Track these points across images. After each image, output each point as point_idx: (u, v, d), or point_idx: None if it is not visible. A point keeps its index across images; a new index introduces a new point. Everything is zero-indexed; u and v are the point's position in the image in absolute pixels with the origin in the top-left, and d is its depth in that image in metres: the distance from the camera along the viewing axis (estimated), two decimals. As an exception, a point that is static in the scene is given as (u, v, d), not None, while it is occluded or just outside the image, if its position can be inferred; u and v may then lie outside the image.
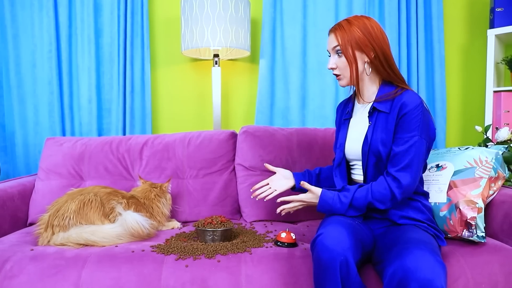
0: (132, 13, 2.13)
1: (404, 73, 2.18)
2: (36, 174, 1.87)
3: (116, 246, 1.28)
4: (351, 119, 1.31)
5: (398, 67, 2.17)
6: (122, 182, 1.74)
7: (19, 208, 1.66)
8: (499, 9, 1.99)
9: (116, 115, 2.17)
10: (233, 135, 1.82)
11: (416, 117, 1.13)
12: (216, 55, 2.06)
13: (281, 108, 2.20)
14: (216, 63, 2.05)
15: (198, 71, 2.29)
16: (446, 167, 1.33)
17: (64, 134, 2.16)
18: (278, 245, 1.28)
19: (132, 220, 1.35)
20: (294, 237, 1.29)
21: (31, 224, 1.67)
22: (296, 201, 1.25)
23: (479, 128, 1.74)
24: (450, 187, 1.26)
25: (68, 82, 2.15)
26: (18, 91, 2.17)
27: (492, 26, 2.01)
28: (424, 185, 1.35)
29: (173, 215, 1.68)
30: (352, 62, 1.18)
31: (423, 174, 1.38)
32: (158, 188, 1.57)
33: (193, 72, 2.29)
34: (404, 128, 1.14)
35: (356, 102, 1.33)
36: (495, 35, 1.97)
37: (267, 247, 1.27)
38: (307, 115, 2.22)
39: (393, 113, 1.17)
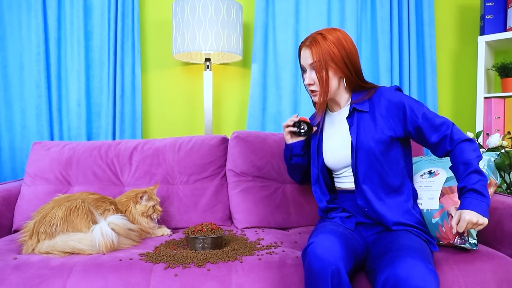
0: (122, 16, 2.10)
1: (396, 79, 2.18)
2: (22, 179, 1.83)
3: (104, 254, 1.24)
4: (326, 131, 1.32)
5: (390, 73, 2.19)
6: (111, 188, 1.70)
7: (3, 214, 1.61)
8: (489, 16, 2.00)
9: (105, 119, 2.14)
10: (224, 140, 1.80)
11: (406, 96, 1.20)
12: (207, 59, 2.04)
13: (273, 113, 2.19)
14: (207, 67, 2.03)
15: (189, 75, 2.26)
16: (438, 173, 1.32)
17: (52, 138, 2.12)
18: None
19: (97, 238, 1.26)
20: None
21: (15, 231, 1.63)
22: None
23: (471, 134, 1.74)
24: (442, 194, 1.26)
25: (57, 85, 2.11)
26: (5, 94, 2.12)
27: (482, 33, 2.02)
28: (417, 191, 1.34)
29: (163, 221, 1.65)
30: (330, 79, 1.19)
31: (415, 180, 1.37)
32: (134, 195, 1.50)
33: (184, 76, 2.26)
34: (413, 109, 1.18)
35: (328, 112, 1.33)
36: (486, 42, 1.98)
37: (258, 255, 1.24)
38: (299, 120, 2.21)
39: (380, 108, 1.20)
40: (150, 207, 1.49)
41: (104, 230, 1.28)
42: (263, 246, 1.35)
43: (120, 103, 2.11)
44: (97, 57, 2.14)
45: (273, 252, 1.27)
